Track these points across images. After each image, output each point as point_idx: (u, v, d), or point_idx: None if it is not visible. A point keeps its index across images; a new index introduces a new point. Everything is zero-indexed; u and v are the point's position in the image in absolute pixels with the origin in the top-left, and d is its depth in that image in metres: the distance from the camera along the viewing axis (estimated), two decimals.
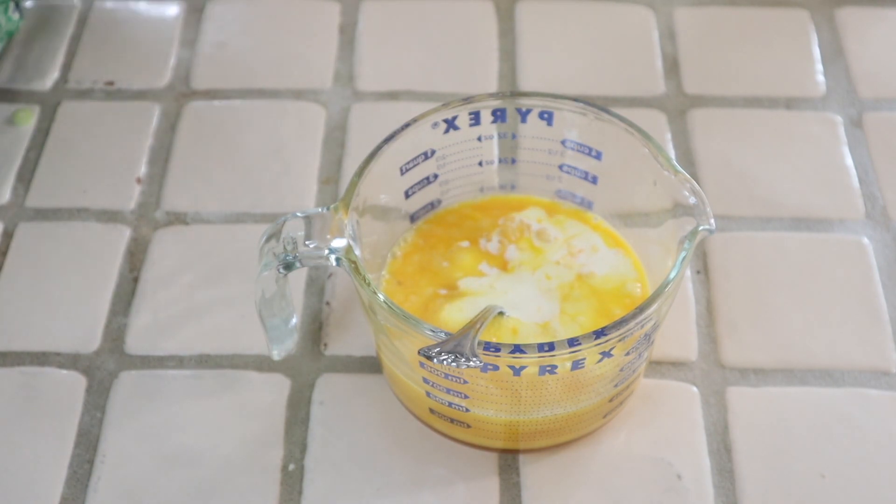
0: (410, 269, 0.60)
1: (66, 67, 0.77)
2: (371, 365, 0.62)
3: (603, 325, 0.50)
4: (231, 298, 0.65)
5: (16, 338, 0.64)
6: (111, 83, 0.76)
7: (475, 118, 0.59)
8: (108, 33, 0.79)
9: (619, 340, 0.51)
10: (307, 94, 0.75)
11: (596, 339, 0.50)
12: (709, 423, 0.60)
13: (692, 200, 0.54)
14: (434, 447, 0.59)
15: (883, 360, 0.62)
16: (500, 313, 0.56)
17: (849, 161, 0.71)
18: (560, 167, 0.61)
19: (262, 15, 0.80)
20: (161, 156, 0.72)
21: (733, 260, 0.66)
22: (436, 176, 0.61)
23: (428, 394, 0.55)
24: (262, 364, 0.62)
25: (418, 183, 0.60)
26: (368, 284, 0.52)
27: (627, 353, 0.53)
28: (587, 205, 0.62)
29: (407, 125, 0.58)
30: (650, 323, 0.52)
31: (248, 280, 0.61)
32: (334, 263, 0.54)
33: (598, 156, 0.59)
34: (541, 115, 0.59)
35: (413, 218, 0.62)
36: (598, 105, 0.58)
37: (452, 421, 0.57)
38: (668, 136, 0.72)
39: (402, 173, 0.59)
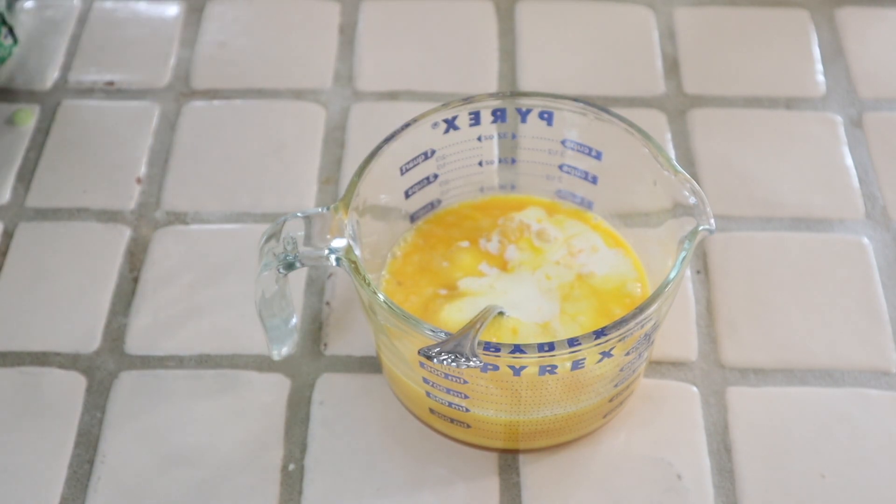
0: (410, 269, 0.60)
1: (66, 67, 0.77)
2: (371, 365, 0.62)
3: (603, 325, 0.50)
4: (231, 298, 0.65)
5: (16, 338, 0.64)
6: (111, 83, 0.76)
7: (475, 118, 0.59)
8: (108, 33, 0.79)
9: (619, 340, 0.51)
10: (307, 94, 0.75)
11: (596, 339, 0.50)
12: (709, 423, 0.60)
13: (692, 200, 0.54)
14: (434, 447, 0.59)
15: (883, 360, 0.62)
16: (500, 313, 0.56)
17: (849, 161, 0.71)
18: (560, 167, 0.61)
19: (262, 15, 0.80)
20: (161, 156, 0.72)
21: (733, 260, 0.66)
22: (436, 176, 0.61)
23: (428, 394, 0.55)
24: (262, 364, 0.62)
25: (418, 183, 0.60)
26: (368, 284, 0.52)
27: (627, 353, 0.53)
28: (587, 205, 0.62)
29: (407, 125, 0.58)
30: (650, 323, 0.52)
31: (248, 280, 0.61)
32: (334, 263, 0.54)
33: (598, 156, 0.59)
34: (541, 115, 0.59)
35: (413, 218, 0.62)
36: (598, 105, 0.58)
37: (452, 421, 0.57)
38: (668, 136, 0.72)
39: (402, 173, 0.59)
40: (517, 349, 0.49)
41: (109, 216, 0.69)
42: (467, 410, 0.55)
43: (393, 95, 0.75)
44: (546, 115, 0.59)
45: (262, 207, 0.69)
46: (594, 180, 0.61)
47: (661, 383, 0.62)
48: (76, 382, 0.62)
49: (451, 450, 0.59)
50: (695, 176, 0.70)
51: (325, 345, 0.63)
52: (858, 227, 0.68)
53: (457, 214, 0.63)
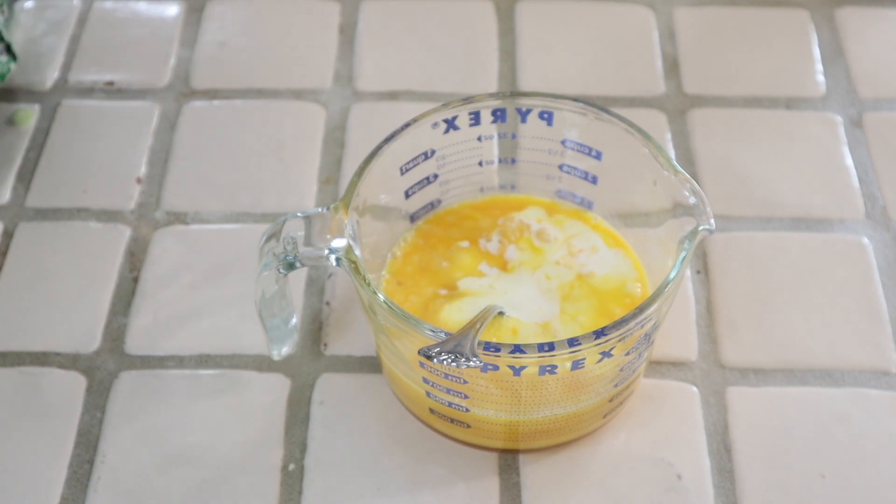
0: (410, 269, 0.60)
1: (66, 67, 0.77)
2: (371, 365, 0.62)
3: (603, 325, 0.50)
4: (231, 298, 0.65)
5: (16, 338, 0.64)
6: (111, 83, 0.76)
7: (475, 118, 0.59)
8: (108, 33, 0.79)
9: (619, 340, 0.51)
10: (307, 94, 0.75)
11: (596, 339, 0.50)
12: (709, 423, 0.60)
13: (692, 200, 0.54)
14: (434, 447, 0.59)
15: (883, 360, 0.62)
16: (500, 313, 0.56)
17: (849, 161, 0.71)
18: (560, 167, 0.61)
19: (262, 15, 0.80)
20: (161, 156, 0.72)
21: (733, 260, 0.66)
22: (436, 176, 0.61)
23: (428, 394, 0.55)
24: (262, 364, 0.62)
25: (418, 183, 0.60)
26: (368, 284, 0.52)
27: (627, 353, 0.53)
28: (587, 205, 0.62)
29: (407, 125, 0.58)
30: (650, 323, 0.52)
31: (248, 280, 0.61)
32: (334, 263, 0.54)
33: (598, 156, 0.59)
34: (541, 115, 0.59)
35: (413, 218, 0.62)
36: (598, 105, 0.58)
37: (452, 421, 0.57)
38: (668, 136, 0.72)
39: (402, 173, 0.59)
40: (517, 349, 0.49)
41: (109, 216, 0.69)
42: (467, 410, 0.55)
43: (393, 95, 0.75)
44: (546, 115, 0.59)
45: (262, 207, 0.69)
46: (594, 180, 0.61)
47: (661, 383, 0.62)
48: (76, 382, 0.62)
49: (451, 450, 0.59)
50: (695, 176, 0.70)
51: (325, 345, 0.63)
52: (858, 227, 0.68)
53: (457, 214, 0.63)
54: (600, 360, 0.51)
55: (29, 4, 0.81)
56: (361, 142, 0.72)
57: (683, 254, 0.52)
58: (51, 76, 0.77)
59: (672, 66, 0.76)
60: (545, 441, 0.58)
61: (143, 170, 0.71)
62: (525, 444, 0.58)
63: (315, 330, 0.64)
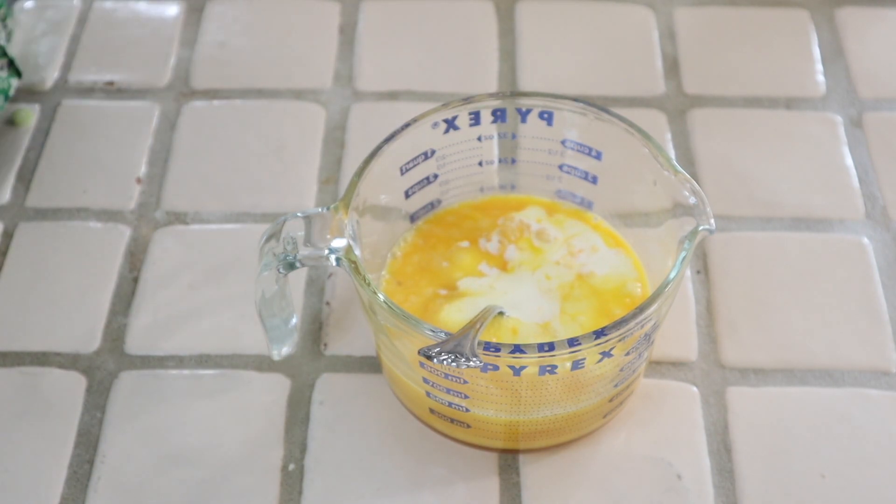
0: (410, 269, 0.60)
1: (66, 67, 0.77)
2: (371, 365, 0.62)
3: (603, 325, 0.50)
4: (231, 298, 0.65)
5: (16, 338, 0.64)
6: (111, 83, 0.76)
7: (475, 118, 0.59)
8: (108, 33, 0.79)
9: (619, 340, 0.51)
10: (307, 94, 0.75)
11: (596, 339, 0.50)
12: (709, 423, 0.60)
13: (692, 200, 0.54)
14: (434, 447, 0.59)
15: (883, 360, 0.62)
16: (500, 313, 0.56)
17: (849, 161, 0.71)
18: (560, 167, 0.61)
19: (262, 15, 0.80)
20: (161, 156, 0.72)
21: (733, 260, 0.66)
22: (436, 176, 0.61)
23: (428, 394, 0.55)
24: (262, 364, 0.62)
25: (418, 183, 0.60)
26: (368, 284, 0.52)
27: (627, 353, 0.53)
28: (587, 205, 0.62)
29: (407, 125, 0.58)
30: (650, 323, 0.52)
31: (248, 280, 0.61)
32: (334, 263, 0.54)
33: (598, 156, 0.59)
34: (541, 115, 0.59)
35: (413, 218, 0.62)
36: (598, 105, 0.58)
37: (452, 421, 0.57)
38: (668, 136, 0.72)
39: (402, 173, 0.59)
40: (517, 349, 0.49)
41: (109, 216, 0.69)
42: (467, 410, 0.55)
43: (393, 95, 0.75)
44: (546, 115, 0.59)
45: (262, 207, 0.69)
46: (594, 180, 0.61)
47: (661, 383, 0.62)
48: (76, 382, 0.62)
49: (451, 450, 0.59)
50: (695, 176, 0.70)
51: (325, 345, 0.63)
52: (858, 227, 0.68)
53: (457, 214, 0.63)
54: (600, 360, 0.51)
55: (29, 4, 0.81)
56: (361, 142, 0.72)
57: (683, 254, 0.52)
58: (51, 76, 0.77)
59: (672, 66, 0.76)
60: (545, 441, 0.58)
61: (143, 170, 0.71)
62: (525, 444, 0.58)
63: (315, 330, 0.64)
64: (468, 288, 0.58)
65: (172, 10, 0.81)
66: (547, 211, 0.62)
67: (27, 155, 0.72)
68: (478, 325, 0.52)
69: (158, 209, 0.69)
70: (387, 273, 0.60)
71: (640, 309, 0.51)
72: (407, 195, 0.61)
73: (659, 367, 0.62)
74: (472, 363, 0.49)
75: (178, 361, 0.63)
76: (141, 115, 0.74)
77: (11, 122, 0.74)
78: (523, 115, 0.59)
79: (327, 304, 0.65)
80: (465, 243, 0.61)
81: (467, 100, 0.59)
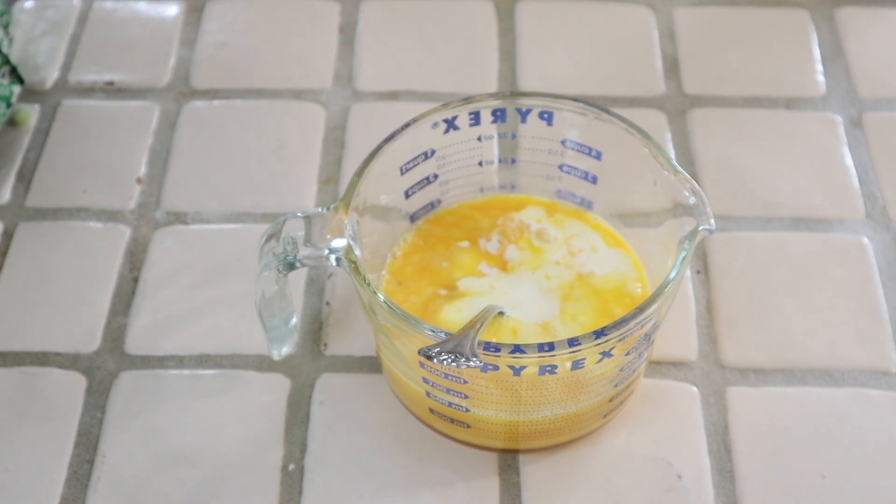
0: (410, 269, 0.60)
1: (66, 67, 0.77)
2: (371, 365, 0.62)
3: (603, 325, 0.50)
4: (231, 298, 0.65)
5: (16, 338, 0.64)
6: (111, 83, 0.76)
7: (475, 118, 0.59)
8: (108, 33, 0.79)
9: (619, 340, 0.51)
10: (307, 94, 0.75)
11: (596, 339, 0.50)
12: (709, 423, 0.60)
13: (692, 200, 0.54)
14: (434, 447, 0.59)
15: (883, 360, 0.62)
16: (500, 313, 0.56)
17: (849, 161, 0.71)
18: (560, 167, 0.61)
19: (262, 15, 0.80)
20: (161, 156, 0.72)
21: (733, 260, 0.66)
22: (436, 176, 0.61)
23: (428, 394, 0.55)
24: (262, 364, 0.62)
25: (418, 183, 0.60)
26: (368, 284, 0.52)
27: (627, 353, 0.53)
28: (587, 205, 0.62)
29: (407, 125, 0.58)
30: (650, 323, 0.52)
31: (248, 280, 0.61)
32: (334, 263, 0.54)
33: (598, 156, 0.59)
34: (541, 115, 0.59)
35: (413, 218, 0.62)
36: (598, 105, 0.58)
37: (452, 421, 0.57)
38: (668, 136, 0.72)
39: (402, 173, 0.59)
40: (517, 349, 0.49)
41: (109, 216, 0.69)
42: (467, 410, 0.55)
43: (393, 95, 0.75)
44: (546, 115, 0.59)
45: (262, 207, 0.69)
46: (594, 180, 0.61)
47: (661, 383, 0.62)
48: (76, 382, 0.62)
49: (451, 450, 0.59)
50: (695, 176, 0.70)
51: (325, 345, 0.63)
52: (858, 227, 0.68)
53: (457, 214, 0.63)
54: (600, 360, 0.51)
55: (29, 4, 0.81)
56: (361, 142, 0.72)
57: (683, 254, 0.52)
58: (51, 76, 0.77)
59: (672, 66, 0.76)
60: (545, 441, 0.58)
61: (143, 170, 0.71)
62: (525, 444, 0.58)
63: (315, 330, 0.64)
64: (468, 288, 0.58)
65: (172, 10, 0.81)
66: (547, 211, 0.62)
67: (27, 155, 0.72)
68: (478, 325, 0.52)
69: (158, 209, 0.69)
70: (387, 273, 0.60)
71: (640, 309, 0.51)
72: (407, 195, 0.61)
73: (659, 367, 0.62)
74: (472, 363, 0.49)
75: (178, 361, 0.63)
76: (141, 115, 0.74)
77: (11, 122, 0.74)
78: (523, 115, 0.59)
79: (327, 304, 0.65)
80: (465, 243, 0.61)
81: (467, 100, 0.59)
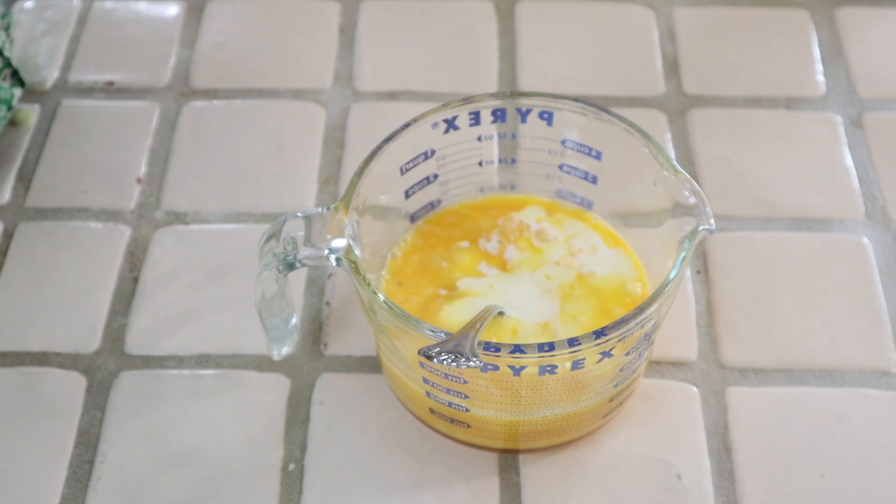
0: (410, 269, 0.60)
1: (66, 67, 0.77)
2: (371, 365, 0.62)
3: (603, 325, 0.50)
4: (231, 298, 0.65)
5: (16, 338, 0.64)
6: (111, 83, 0.76)
7: (475, 118, 0.59)
8: (108, 33, 0.79)
9: (619, 340, 0.51)
10: (307, 94, 0.75)
11: (596, 339, 0.50)
12: (709, 423, 0.60)
13: (692, 200, 0.54)
14: (434, 447, 0.59)
15: (883, 360, 0.62)
16: (500, 313, 0.56)
17: (849, 161, 0.71)
18: (560, 167, 0.61)
19: (262, 15, 0.80)
20: (161, 156, 0.72)
21: (733, 260, 0.66)
22: (436, 176, 0.61)
23: (428, 394, 0.55)
24: (262, 364, 0.62)
25: (418, 183, 0.60)
26: (368, 284, 0.52)
27: (627, 353, 0.53)
28: (587, 205, 0.62)
29: (407, 125, 0.58)
30: (650, 323, 0.52)
31: (248, 280, 0.61)
32: (334, 263, 0.54)
33: (598, 156, 0.59)
34: (541, 115, 0.59)
35: (413, 218, 0.62)
36: (598, 105, 0.58)
37: (452, 421, 0.57)
38: (668, 136, 0.72)
39: (402, 173, 0.59)
40: (517, 349, 0.49)
41: (109, 216, 0.69)
42: (467, 410, 0.55)
43: (393, 95, 0.75)
44: (546, 115, 0.59)
45: (262, 207, 0.69)
46: (594, 180, 0.61)
47: (661, 383, 0.62)
48: (76, 382, 0.62)
49: (451, 450, 0.59)
50: (695, 176, 0.70)
51: (325, 345, 0.63)
52: (858, 227, 0.68)
53: (457, 214, 0.63)
54: (600, 360, 0.51)
55: (29, 4, 0.81)
56: (361, 142, 0.72)
57: (683, 254, 0.52)
58: (51, 76, 0.77)
59: (672, 66, 0.76)
60: (545, 441, 0.58)
61: (143, 170, 0.71)
62: (525, 444, 0.58)
63: (315, 330, 0.64)
64: (468, 288, 0.58)
65: (172, 10, 0.81)
66: (547, 211, 0.62)
67: (27, 155, 0.72)
68: (478, 325, 0.52)
69: (158, 209, 0.69)
70: (387, 273, 0.60)
71: (640, 309, 0.51)
72: (407, 195, 0.61)
73: (659, 367, 0.62)
74: (472, 363, 0.49)
75: (178, 361, 0.63)
76: (141, 115, 0.74)
77: (11, 122, 0.74)
78: (523, 115, 0.59)
79: (327, 304, 0.65)
80: (464, 243, 0.61)
81: (467, 100, 0.59)
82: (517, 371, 0.51)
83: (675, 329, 0.63)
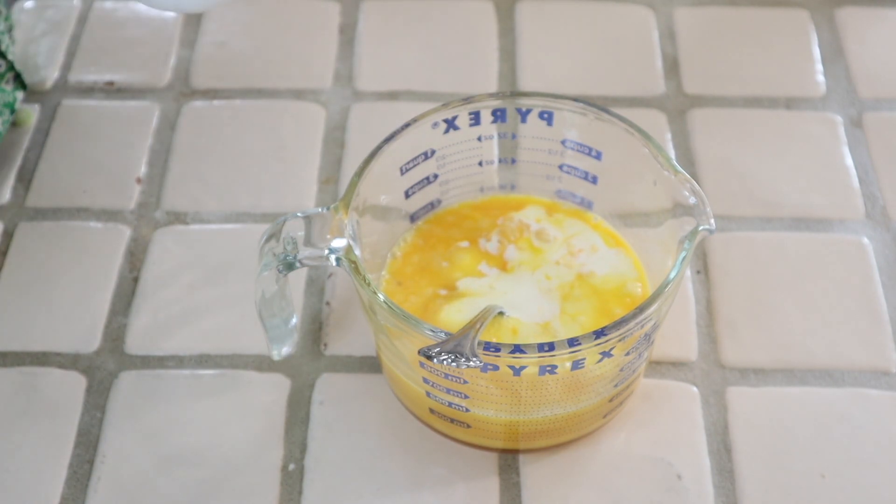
0: (410, 269, 0.60)
1: (66, 67, 0.77)
2: (371, 365, 0.62)
3: (603, 325, 0.50)
4: (231, 298, 0.65)
5: (16, 338, 0.64)
6: (111, 83, 0.76)
7: (475, 118, 0.59)
8: (108, 33, 0.79)
9: (619, 340, 0.51)
10: (307, 94, 0.75)
11: (596, 339, 0.50)
12: (709, 423, 0.60)
13: (692, 200, 0.54)
14: (434, 447, 0.59)
15: (883, 360, 0.62)
16: (500, 313, 0.56)
17: (849, 161, 0.71)
18: (560, 167, 0.61)
19: (262, 15, 0.80)
20: (161, 156, 0.72)
21: (733, 260, 0.66)
22: (436, 176, 0.61)
23: (428, 394, 0.55)
24: (262, 364, 0.62)
25: (418, 183, 0.60)
26: (368, 284, 0.52)
27: (627, 353, 0.53)
28: (587, 205, 0.62)
29: (407, 125, 0.58)
30: (650, 323, 0.52)
31: (248, 280, 0.61)
32: (334, 263, 0.54)
33: (598, 156, 0.59)
34: (541, 115, 0.59)
35: (413, 218, 0.62)
36: (598, 105, 0.58)
37: (452, 421, 0.57)
38: (668, 136, 0.72)
39: (402, 173, 0.59)
40: (517, 349, 0.49)
41: (109, 216, 0.69)
42: (467, 410, 0.55)
43: (393, 95, 0.75)
44: (546, 115, 0.59)
45: (262, 207, 0.69)
46: (594, 180, 0.61)
47: (661, 383, 0.62)
48: (76, 382, 0.62)
49: (451, 450, 0.59)
50: (695, 176, 0.70)
51: (325, 345, 0.63)
52: (858, 227, 0.68)
53: (457, 214, 0.63)
54: (600, 360, 0.51)
55: (29, 4, 0.81)
56: (361, 142, 0.72)
57: (683, 254, 0.52)
58: (51, 76, 0.77)
59: (672, 66, 0.76)
60: (545, 441, 0.58)
61: (143, 170, 0.71)
62: (525, 444, 0.58)
63: (315, 330, 0.64)
64: (468, 288, 0.58)
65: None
66: (547, 211, 0.62)
67: (27, 155, 0.72)
68: (478, 325, 0.52)
69: (158, 209, 0.69)
70: (387, 273, 0.60)
71: (640, 309, 0.51)
72: (407, 195, 0.61)
73: (659, 367, 0.62)
74: (472, 363, 0.49)
75: (178, 361, 0.63)
76: (141, 115, 0.74)
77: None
78: (523, 115, 0.59)
79: (327, 304, 0.65)
80: (464, 243, 0.61)
81: (467, 100, 0.59)
82: (517, 371, 0.51)
83: (675, 329, 0.63)
